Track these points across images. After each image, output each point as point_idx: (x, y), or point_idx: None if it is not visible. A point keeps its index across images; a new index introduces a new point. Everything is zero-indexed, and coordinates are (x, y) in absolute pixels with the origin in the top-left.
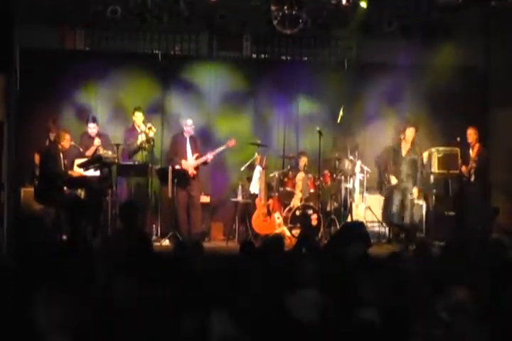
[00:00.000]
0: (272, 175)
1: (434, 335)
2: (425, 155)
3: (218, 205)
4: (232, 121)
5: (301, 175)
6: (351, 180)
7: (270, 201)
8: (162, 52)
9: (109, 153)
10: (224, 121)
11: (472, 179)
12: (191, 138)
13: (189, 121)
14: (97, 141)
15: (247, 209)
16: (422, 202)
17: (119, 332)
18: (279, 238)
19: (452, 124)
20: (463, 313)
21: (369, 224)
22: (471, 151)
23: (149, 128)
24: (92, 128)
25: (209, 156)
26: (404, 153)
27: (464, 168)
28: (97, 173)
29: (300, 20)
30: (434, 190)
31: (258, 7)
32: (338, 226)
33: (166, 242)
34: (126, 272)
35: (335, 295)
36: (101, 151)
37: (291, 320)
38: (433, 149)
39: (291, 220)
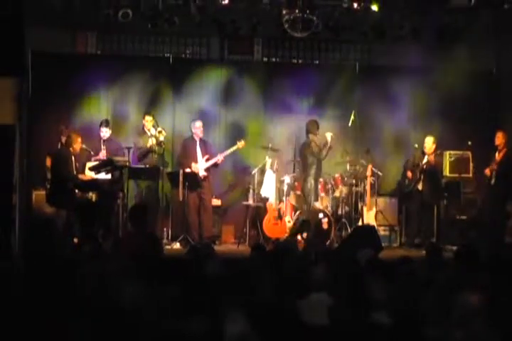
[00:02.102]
0: (282, 178)
1: (446, 340)
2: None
3: (229, 208)
4: (242, 124)
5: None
6: (362, 183)
7: (281, 205)
8: (173, 55)
9: (119, 158)
10: (234, 124)
11: (493, 182)
12: (201, 140)
13: (198, 123)
14: (101, 154)
15: (258, 213)
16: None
17: (130, 335)
18: (293, 242)
19: (464, 128)
20: (475, 318)
21: (380, 228)
22: (496, 154)
23: (159, 132)
24: (104, 132)
25: (219, 157)
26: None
27: (488, 171)
28: (108, 176)
29: (311, 24)
30: (446, 194)
31: (269, 10)
32: (349, 230)
33: (176, 245)
34: (136, 275)
35: (346, 299)
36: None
37: (303, 323)
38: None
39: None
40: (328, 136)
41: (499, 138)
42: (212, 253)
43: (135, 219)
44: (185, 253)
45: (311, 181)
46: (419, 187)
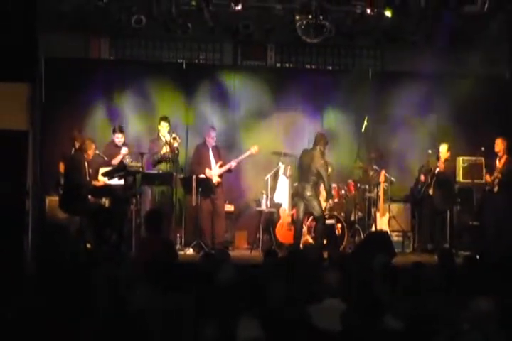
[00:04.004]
0: (296, 184)
1: None
2: (435, 161)
3: (242, 214)
4: (256, 130)
5: None
6: (375, 189)
7: (294, 210)
8: (186, 61)
9: (135, 162)
10: (248, 130)
11: (496, 189)
12: (214, 147)
13: (212, 133)
14: (123, 150)
15: (271, 219)
16: None
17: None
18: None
19: (477, 134)
20: (488, 323)
21: (393, 234)
22: (497, 161)
23: (174, 139)
24: (120, 138)
25: (233, 163)
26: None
27: (488, 178)
28: (121, 182)
29: (324, 29)
30: (459, 200)
31: (282, 16)
32: (362, 236)
33: (190, 251)
34: (150, 281)
35: (359, 305)
36: (127, 160)
37: (316, 329)
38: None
39: (315, 229)
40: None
41: (498, 145)
42: (227, 260)
43: (150, 225)
44: (199, 259)
45: (309, 189)
46: (430, 191)
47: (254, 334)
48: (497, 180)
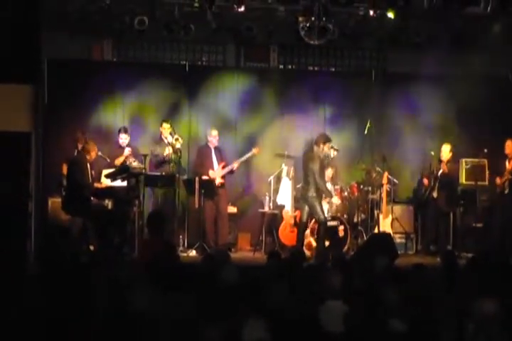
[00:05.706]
0: (298, 186)
1: None
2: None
3: (245, 216)
4: (259, 131)
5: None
6: (378, 191)
7: (297, 212)
8: (189, 63)
9: (137, 163)
10: (251, 131)
11: (506, 191)
12: (216, 148)
13: (213, 132)
14: (127, 151)
15: (274, 220)
16: None
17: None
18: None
19: (480, 135)
20: (491, 325)
21: (396, 236)
22: (506, 163)
23: (176, 140)
24: (124, 139)
25: (235, 165)
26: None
27: (498, 180)
28: (124, 184)
29: (327, 31)
30: (462, 201)
31: (285, 18)
32: (364, 238)
33: (192, 253)
34: (151, 281)
35: (361, 307)
36: (130, 160)
37: (319, 330)
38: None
39: (318, 231)
40: (332, 152)
41: (509, 147)
42: (228, 261)
43: (153, 226)
44: (200, 261)
45: (311, 190)
46: (434, 194)
47: (260, 335)
48: (507, 182)
